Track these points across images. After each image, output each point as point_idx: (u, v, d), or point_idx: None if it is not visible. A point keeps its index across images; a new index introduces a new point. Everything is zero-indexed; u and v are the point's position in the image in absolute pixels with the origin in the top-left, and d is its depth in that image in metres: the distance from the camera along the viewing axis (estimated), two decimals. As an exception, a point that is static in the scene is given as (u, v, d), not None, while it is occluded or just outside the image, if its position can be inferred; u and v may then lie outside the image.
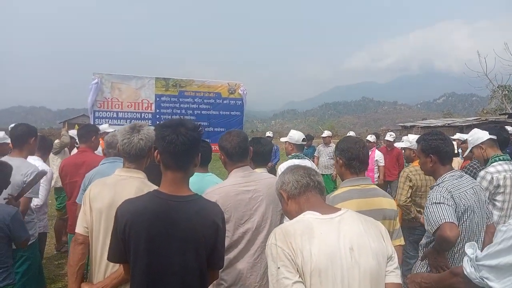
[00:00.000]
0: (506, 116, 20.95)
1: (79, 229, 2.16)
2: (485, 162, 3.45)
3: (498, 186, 3.08)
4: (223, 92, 9.41)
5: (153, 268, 1.64)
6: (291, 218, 1.66)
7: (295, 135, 4.45)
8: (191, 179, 3.22)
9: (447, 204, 2.29)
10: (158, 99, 8.76)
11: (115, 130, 7.20)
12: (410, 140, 4.00)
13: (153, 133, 2.24)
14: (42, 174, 3.36)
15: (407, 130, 26.59)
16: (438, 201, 2.30)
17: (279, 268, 1.42)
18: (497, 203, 3.07)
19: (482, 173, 3.16)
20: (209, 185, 2.72)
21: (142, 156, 2.26)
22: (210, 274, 1.84)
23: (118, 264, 2.05)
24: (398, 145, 4.42)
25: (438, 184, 2.43)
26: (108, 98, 8.32)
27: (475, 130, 3.41)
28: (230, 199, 2.20)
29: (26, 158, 3.41)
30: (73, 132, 6.20)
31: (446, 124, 24.52)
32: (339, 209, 1.60)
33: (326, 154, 8.71)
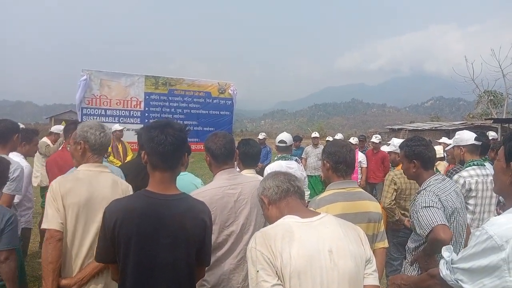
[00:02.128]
0: (491, 121, 21.35)
1: (56, 225, 2.11)
2: (461, 163, 3.60)
3: (470, 190, 3.18)
4: (213, 91, 9.40)
5: (143, 266, 1.67)
6: (271, 223, 1.69)
7: (280, 137, 4.50)
8: None
9: (437, 207, 2.34)
10: (147, 97, 8.71)
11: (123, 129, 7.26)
12: (395, 144, 4.08)
13: (110, 130, 2.45)
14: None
15: (395, 132, 26.94)
16: (428, 205, 2.35)
17: (258, 271, 1.44)
18: (469, 207, 3.17)
19: (455, 177, 3.25)
20: (185, 184, 2.73)
21: (104, 150, 2.40)
22: (197, 270, 1.87)
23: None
24: (384, 148, 4.49)
25: (425, 189, 2.48)
26: (97, 95, 8.23)
27: (465, 131, 3.51)
28: (215, 202, 2.22)
29: (8, 154, 3.37)
30: (57, 128, 6.13)
31: (433, 128, 24.90)
32: (318, 213, 1.64)
33: (314, 155, 8.77)
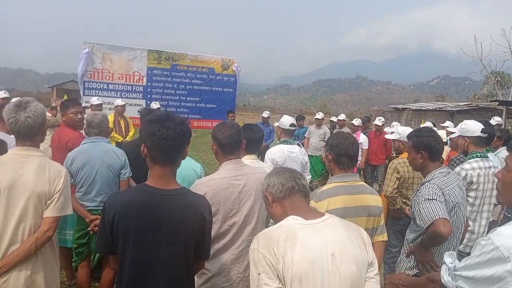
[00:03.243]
0: (497, 103, 21.13)
1: None
2: (464, 153, 3.56)
3: (471, 183, 3.17)
4: (216, 67, 9.28)
5: (142, 259, 1.67)
6: (275, 220, 1.69)
7: (284, 120, 4.44)
8: None
9: (439, 201, 2.33)
10: (150, 72, 8.62)
11: (101, 103, 7.20)
12: (400, 132, 4.03)
13: (42, 109, 2.20)
14: None
15: (399, 112, 26.73)
16: (430, 198, 2.34)
17: (259, 274, 1.44)
18: (469, 199, 3.17)
19: (457, 169, 3.22)
20: (184, 169, 2.69)
21: (34, 133, 2.17)
22: (196, 263, 1.88)
23: (19, 243, 2.06)
24: (388, 136, 4.45)
25: (429, 181, 2.46)
26: (99, 69, 8.16)
27: (472, 122, 3.43)
28: (220, 192, 2.20)
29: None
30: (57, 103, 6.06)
31: (437, 108, 24.67)
32: (322, 214, 1.62)
33: (317, 136, 8.73)
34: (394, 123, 8.38)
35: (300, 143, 4.71)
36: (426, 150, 2.51)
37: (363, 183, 2.40)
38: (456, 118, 21.37)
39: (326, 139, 8.70)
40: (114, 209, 1.66)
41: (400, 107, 27.81)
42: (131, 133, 7.49)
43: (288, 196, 1.67)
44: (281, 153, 4.15)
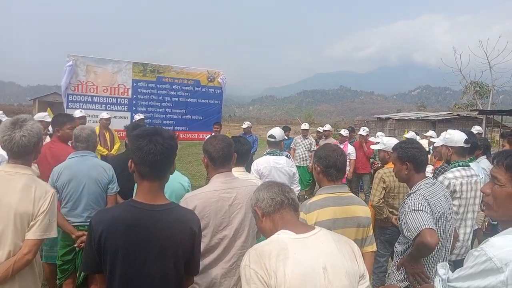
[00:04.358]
0: (477, 112, 21.69)
1: None
2: (447, 162, 3.62)
3: (454, 191, 3.23)
4: (202, 79, 9.28)
5: (130, 278, 1.64)
6: (265, 235, 1.68)
7: (269, 132, 4.48)
8: None
9: (425, 211, 2.36)
10: (135, 84, 8.56)
11: (84, 116, 7.09)
12: (385, 142, 4.09)
13: (38, 128, 2.17)
14: None
15: (382, 122, 27.17)
16: (417, 208, 2.36)
17: None
18: (453, 207, 3.22)
19: (440, 178, 3.28)
20: (171, 184, 2.67)
21: (28, 152, 2.12)
22: (186, 279, 1.85)
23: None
24: (373, 147, 4.51)
25: (415, 192, 2.49)
26: (83, 82, 8.06)
27: (456, 132, 3.48)
28: (210, 205, 2.19)
29: None
30: (40, 115, 5.87)
31: (420, 118, 25.18)
32: (313, 228, 1.62)
33: (303, 146, 8.80)
34: (379, 133, 8.51)
35: (289, 154, 4.73)
36: (410, 161, 2.55)
37: (351, 194, 2.43)
38: (438, 127, 21.85)
39: (312, 150, 8.83)
40: (101, 226, 1.62)
41: (384, 116, 28.28)
42: (116, 146, 7.40)
43: (277, 210, 1.67)
44: (267, 164, 4.16)
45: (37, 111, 28.36)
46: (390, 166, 3.94)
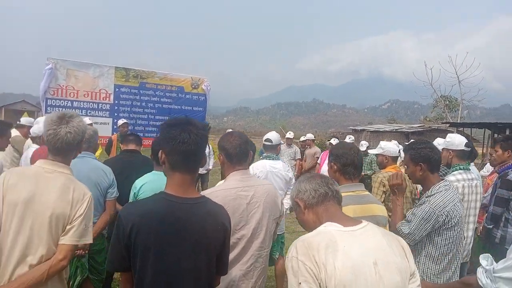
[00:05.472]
0: (448, 125, 22.48)
1: None
2: (447, 166, 3.68)
3: None
4: (186, 86, 9.15)
5: (163, 275, 1.53)
6: (308, 228, 1.61)
7: (265, 135, 4.43)
8: (147, 178, 3.08)
9: (430, 224, 2.35)
10: (117, 89, 8.33)
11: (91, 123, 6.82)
12: (383, 146, 4.12)
13: (84, 126, 2.09)
14: None
15: (358, 133, 27.67)
16: (427, 217, 2.35)
17: (300, 283, 1.35)
18: None
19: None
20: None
21: (70, 150, 2.04)
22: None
23: (27, 266, 1.84)
24: (372, 151, 4.54)
25: (434, 195, 2.44)
26: (63, 86, 7.77)
27: (456, 135, 3.54)
28: (227, 203, 2.09)
29: None
30: (27, 120, 5.67)
31: (394, 130, 25.81)
32: (360, 221, 1.55)
33: (288, 155, 8.80)
34: (363, 142, 8.64)
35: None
36: (424, 162, 2.52)
37: (368, 193, 2.39)
38: (411, 138, 22.45)
39: (296, 158, 8.84)
40: (131, 221, 1.50)
41: (359, 128, 28.84)
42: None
43: (321, 202, 1.60)
44: (263, 168, 4.10)
45: (3, 119, 27.19)
46: (389, 170, 3.96)
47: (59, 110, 7.65)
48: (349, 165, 2.31)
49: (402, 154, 3.99)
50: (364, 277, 1.37)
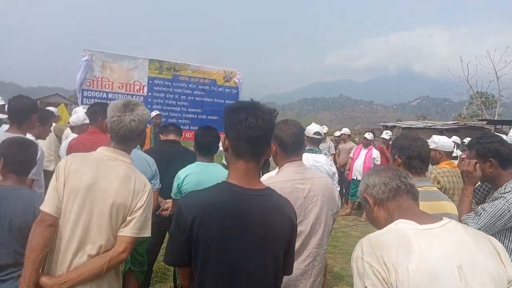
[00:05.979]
0: (485, 122, 21.52)
1: (50, 208, 1.77)
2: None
3: None
4: (218, 79, 9.08)
5: (226, 271, 1.40)
6: (378, 226, 1.45)
7: (309, 128, 4.25)
8: (191, 169, 2.98)
9: (503, 222, 2.16)
10: (151, 81, 8.35)
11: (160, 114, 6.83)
12: (436, 141, 3.86)
13: (148, 115, 2.03)
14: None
15: (389, 130, 26.99)
16: (501, 215, 2.15)
17: (367, 287, 1.20)
18: None
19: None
20: (213, 176, 2.46)
21: (132, 138, 1.99)
22: None
23: (86, 256, 1.77)
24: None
25: (510, 192, 2.20)
26: (98, 77, 7.85)
27: (444, 138, 3.83)
28: (284, 195, 1.94)
29: (25, 135, 3.03)
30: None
31: (427, 127, 24.97)
32: (439, 219, 1.37)
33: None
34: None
35: (327, 153, 4.50)
36: (494, 157, 2.29)
37: (437, 189, 2.19)
38: (446, 136, 21.65)
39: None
40: (193, 212, 1.38)
41: (390, 124, 28.09)
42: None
43: (393, 197, 1.43)
44: (305, 161, 3.92)
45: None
46: (443, 165, 3.71)
47: (95, 101, 7.74)
48: (415, 158, 2.12)
49: (457, 151, 3.82)
50: (445, 282, 1.18)
